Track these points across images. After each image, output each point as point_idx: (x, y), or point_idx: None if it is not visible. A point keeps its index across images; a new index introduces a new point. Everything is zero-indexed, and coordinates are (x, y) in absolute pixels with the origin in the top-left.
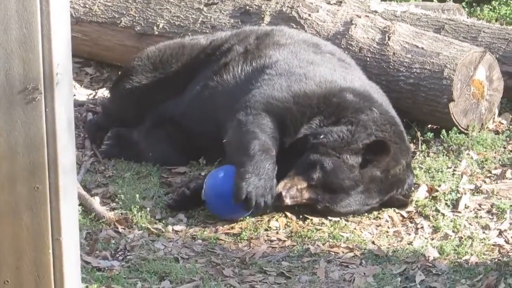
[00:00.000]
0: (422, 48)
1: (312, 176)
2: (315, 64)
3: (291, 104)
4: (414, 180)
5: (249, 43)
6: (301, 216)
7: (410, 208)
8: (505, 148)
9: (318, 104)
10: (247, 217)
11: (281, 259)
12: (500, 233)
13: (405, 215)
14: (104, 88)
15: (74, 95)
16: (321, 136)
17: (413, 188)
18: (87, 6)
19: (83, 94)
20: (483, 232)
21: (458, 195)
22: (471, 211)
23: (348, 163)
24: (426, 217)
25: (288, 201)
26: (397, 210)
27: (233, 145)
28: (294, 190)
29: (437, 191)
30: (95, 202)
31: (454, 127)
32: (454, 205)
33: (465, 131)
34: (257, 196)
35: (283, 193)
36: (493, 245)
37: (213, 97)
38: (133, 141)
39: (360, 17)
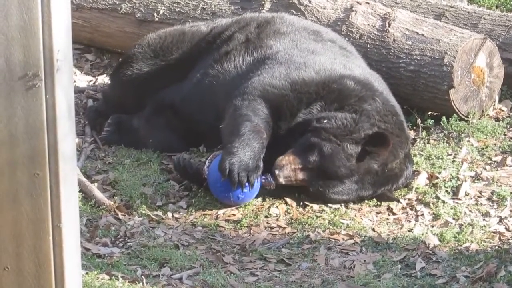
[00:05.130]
0: (423, 35)
1: (308, 159)
2: (316, 53)
3: (288, 91)
4: (415, 167)
5: (250, 32)
6: (301, 203)
7: (410, 195)
8: (505, 135)
9: (317, 90)
10: (247, 204)
11: (281, 246)
12: (501, 220)
13: (405, 202)
14: (105, 75)
15: (74, 81)
16: (325, 121)
17: (411, 176)
18: None
19: (83, 80)
20: (484, 219)
21: (459, 182)
22: (471, 198)
23: (347, 152)
24: (427, 204)
25: (282, 180)
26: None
27: (226, 128)
28: (288, 169)
29: (437, 178)
30: (95, 188)
31: (455, 114)
32: (455, 192)
33: (466, 118)
34: (239, 169)
35: (277, 172)
36: (494, 232)
37: (213, 85)
38: (133, 128)
39: (360, 3)
